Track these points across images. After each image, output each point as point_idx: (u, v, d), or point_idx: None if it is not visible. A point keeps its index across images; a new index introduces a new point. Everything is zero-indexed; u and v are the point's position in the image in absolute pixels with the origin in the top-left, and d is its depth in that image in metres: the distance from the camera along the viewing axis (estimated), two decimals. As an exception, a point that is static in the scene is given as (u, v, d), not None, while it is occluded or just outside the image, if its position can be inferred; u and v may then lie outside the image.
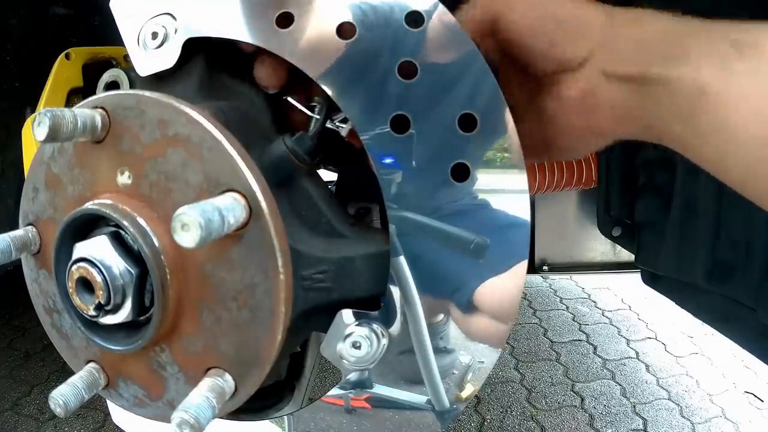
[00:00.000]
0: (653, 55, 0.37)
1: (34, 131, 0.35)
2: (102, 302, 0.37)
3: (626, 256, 1.27)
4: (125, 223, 0.36)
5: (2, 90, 0.99)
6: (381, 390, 0.42)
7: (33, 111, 0.88)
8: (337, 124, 0.45)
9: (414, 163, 0.37)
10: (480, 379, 0.40)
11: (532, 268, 1.30)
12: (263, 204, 0.35)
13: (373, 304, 0.40)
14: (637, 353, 2.37)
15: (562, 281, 2.95)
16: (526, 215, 0.37)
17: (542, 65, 0.41)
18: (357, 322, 0.39)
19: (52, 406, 0.39)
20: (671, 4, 0.38)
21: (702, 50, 0.35)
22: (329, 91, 0.38)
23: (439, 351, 0.40)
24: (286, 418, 0.46)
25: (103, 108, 0.38)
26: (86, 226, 0.39)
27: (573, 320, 2.61)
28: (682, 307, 1.00)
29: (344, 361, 0.40)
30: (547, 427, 1.90)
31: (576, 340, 2.45)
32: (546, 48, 0.40)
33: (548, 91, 0.42)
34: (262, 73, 0.42)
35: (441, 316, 0.39)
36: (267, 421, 0.47)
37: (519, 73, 0.44)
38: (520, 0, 0.41)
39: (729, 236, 0.79)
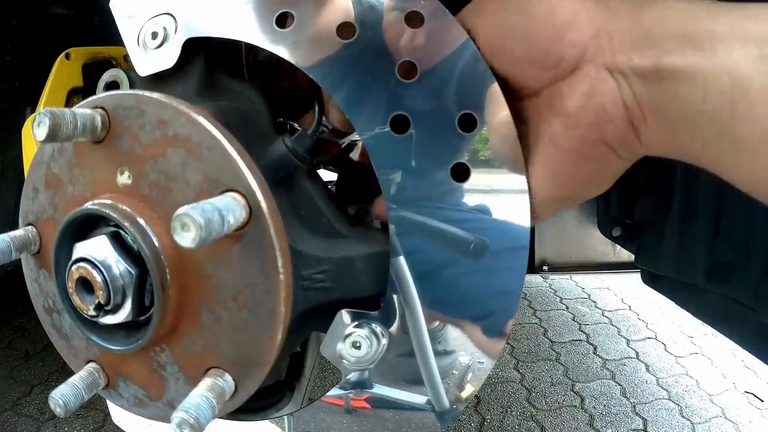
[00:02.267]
0: (667, 42, 0.30)
1: (34, 131, 0.35)
2: (102, 302, 0.37)
3: (626, 256, 1.27)
4: (125, 223, 0.36)
5: (2, 90, 0.99)
6: (381, 390, 0.42)
7: (33, 111, 0.88)
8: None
9: (414, 163, 0.37)
10: (479, 380, 0.40)
11: (532, 268, 1.30)
12: (263, 204, 0.35)
13: (373, 304, 0.40)
14: (637, 353, 2.36)
15: (562, 281, 2.95)
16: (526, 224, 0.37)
17: (533, 80, 0.36)
18: (357, 323, 0.39)
19: (52, 406, 0.39)
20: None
21: (732, 34, 0.28)
22: (329, 91, 0.38)
23: (438, 353, 0.40)
24: (286, 418, 0.46)
25: (103, 108, 0.38)
26: (86, 226, 0.39)
27: (573, 320, 2.61)
28: (682, 307, 1.00)
29: (344, 361, 0.40)
30: (547, 427, 1.90)
31: (576, 340, 2.45)
32: (525, 56, 0.35)
33: (552, 112, 0.36)
34: (334, 116, 0.42)
35: (437, 322, 0.39)
36: (267, 421, 0.47)
37: (519, 107, 0.38)
38: (485, 13, 0.36)
39: (729, 236, 0.79)
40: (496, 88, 0.36)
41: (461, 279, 0.37)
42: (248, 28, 0.39)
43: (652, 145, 0.34)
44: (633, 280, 1.16)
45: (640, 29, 0.32)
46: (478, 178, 0.37)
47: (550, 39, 0.34)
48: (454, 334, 0.39)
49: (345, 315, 0.40)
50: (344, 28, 0.37)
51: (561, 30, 0.34)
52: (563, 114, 0.35)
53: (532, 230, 0.73)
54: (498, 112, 0.36)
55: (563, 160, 0.36)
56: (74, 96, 0.77)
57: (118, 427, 0.55)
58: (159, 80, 0.43)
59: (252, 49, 0.45)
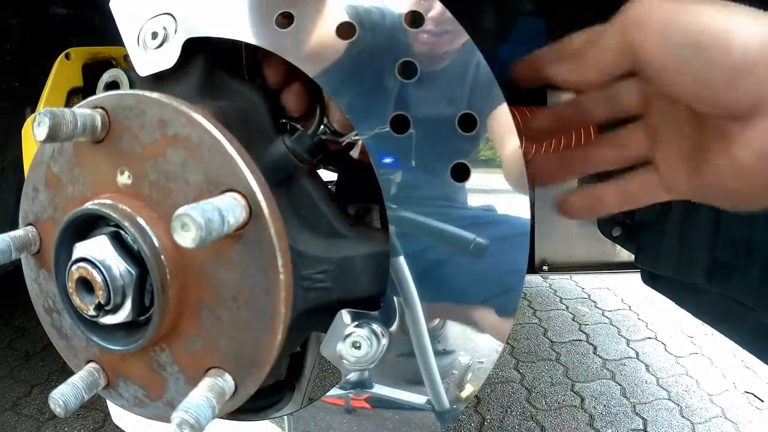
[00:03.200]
0: None
1: (34, 131, 0.35)
2: (102, 302, 0.37)
3: (626, 256, 1.27)
4: (125, 223, 0.36)
5: (2, 90, 0.99)
6: (381, 390, 0.42)
7: (33, 111, 0.87)
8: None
9: (414, 163, 0.37)
10: (479, 379, 0.40)
11: (532, 268, 1.30)
12: (263, 204, 0.35)
13: (373, 304, 0.40)
14: (637, 353, 2.36)
15: (562, 281, 2.95)
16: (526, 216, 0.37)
17: (698, 107, 0.33)
18: (357, 322, 0.39)
19: (52, 406, 0.39)
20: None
21: None
22: (329, 91, 0.38)
23: (438, 353, 0.40)
24: (286, 418, 0.46)
25: (103, 108, 0.38)
26: (86, 226, 0.39)
27: (573, 320, 2.61)
28: (682, 307, 1.00)
29: (344, 361, 0.40)
30: (547, 427, 1.90)
31: (576, 340, 2.45)
32: (692, 90, 0.31)
33: (715, 141, 0.33)
34: (269, 73, 0.43)
35: (437, 321, 0.39)
36: (267, 421, 0.47)
37: (677, 111, 0.36)
38: (656, 23, 0.32)
39: (729, 236, 0.79)
40: (504, 108, 0.36)
41: (472, 265, 0.38)
42: (248, 28, 0.39)
43: None
44: (633, 280, 1.16)
45: None
46: (478, 177, 0.37)
47: (722, 85, 0.30)
48: (454, 333, 0.39)
49: (345, 315, 0.40)
50: (344, 28, 0.37)
51: (735, 76, 0.30)
52: (728, 156, 0.32)
53: (533, 231, 0.73)
54: (508, 138, 0.36)
55: (723, 182, 0.34)
56: (74, 96, 0.76)
57: (118, 427, 0.55)
58: (159, 80, 0.43)
59: (252, 49, 0.45)
